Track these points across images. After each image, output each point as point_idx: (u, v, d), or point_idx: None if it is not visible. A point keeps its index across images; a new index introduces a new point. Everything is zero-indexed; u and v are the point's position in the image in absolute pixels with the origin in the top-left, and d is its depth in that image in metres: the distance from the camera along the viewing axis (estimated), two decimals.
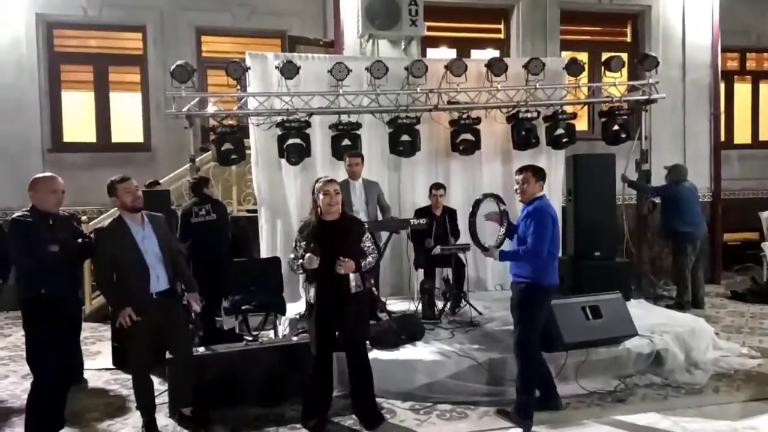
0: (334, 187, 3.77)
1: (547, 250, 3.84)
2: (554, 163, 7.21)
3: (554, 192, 7.29)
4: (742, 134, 9.95)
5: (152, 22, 8.10)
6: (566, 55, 8.44)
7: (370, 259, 3.86)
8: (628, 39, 9.19)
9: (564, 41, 8.75)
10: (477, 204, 4.17)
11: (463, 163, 6.95)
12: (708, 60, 8.87)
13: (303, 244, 3.79)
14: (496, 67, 6.59)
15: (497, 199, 4.18)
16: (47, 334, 3.54)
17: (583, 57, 8.87)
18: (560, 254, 6.65)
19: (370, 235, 3.97)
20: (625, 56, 8.78)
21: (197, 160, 6.62)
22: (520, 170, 4.06)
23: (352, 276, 3.77)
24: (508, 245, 4.11)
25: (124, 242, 3.63)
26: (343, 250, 3.70)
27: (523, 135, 6.71)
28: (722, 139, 9.19)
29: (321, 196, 3.74)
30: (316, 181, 3.87)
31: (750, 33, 9.58)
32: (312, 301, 3.81)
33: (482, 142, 6.74)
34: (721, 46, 8.87)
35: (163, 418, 4.00)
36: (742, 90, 10.02)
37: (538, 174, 4.00)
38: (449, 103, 6.68)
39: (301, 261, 3.73)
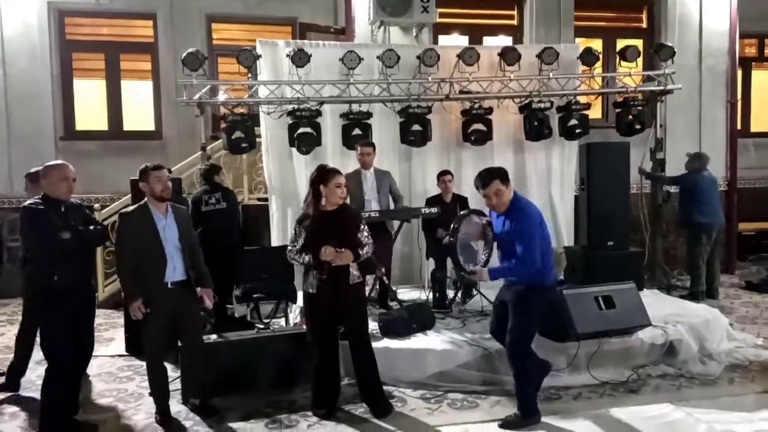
0: (344, 180, 3.80)
1: (540, 253, 3.59)
2: (567, 154, 7.15)
3: (567, 183, 7.23)
4: (759, 122, 9.78)
5: (163, 9, 8.08)
6: (580, 41, 8.32)
7: (367, 249, 3.83)
8: (644, 25, 9.03)
9: (578, 28, 8.62)
10: (458, 222, 3.78)
11: (474, 153, 6.89)
12: (725, 47, 8.71)
13: (303, 234, 3.77)
14: (509, 56, 6.51)
15: (477, 213, 3.89)
16: (61, 322, 3.56)
17: (597, 44, 8.79)
18: (559, 245, 6.70)
19: (366, 226, 3.93)
20: (640, 43, 8.73)
21: (208, 148, 6.63)
22: (485, 184, 3.60)
23: (352, 266, 3.77)
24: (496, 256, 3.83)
25: (147, 229, 3.67)
26: (342, 241, 3.68)
27: (535, 125, 6.64)
28: (739, 127, 9.04)
29: (336, 189, 3.71)
30: (318, 170, 3.81)
31: None
32: (312, 291, 3.79)
33: (494, 133, 6.68)
34: (740, 32, 8.69)
35: (175, 405, 4.02)
36: (761, 77, 9.82)
37: (505, 176, 3.64)
38: (461, 92, 6.62)
39: (308, 256, 3.69)
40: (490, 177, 3.62)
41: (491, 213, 3.81)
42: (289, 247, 3.88)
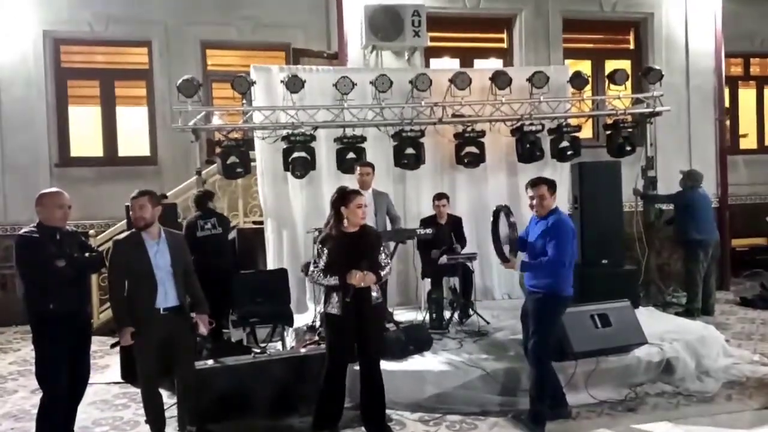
0: (365, 200, 3.87)
1: (568, 261, 3.88)
2: (559, 176, 7.16)
3: (560, 204, 7.27)
4: (748, 139, 9.92)
5: (157, 36, 8.17)
6: (569, 63, 8.46)
7: (388, 269, 3.92)
8: (631, 46, 9.20)
9: (567, 49, 8.76)
10: (498, 214, 4.20)
11: (468, 175, 6.95)
12: (712, 66, 8.86)
13: (326, 254, 3.79)
14: (500, 80, 6.62)
15: (509, 210, 4.20)
16: (56, 349, 3.54)
17: (586, 65, 8.93)
18: None
19: (385, 247, 4.02)
20: (628, 64, 8.88)
21: (203, 172, 6.65)
22: (534, 184, 4.05)
23: (373, 287, 3.80)
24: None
25: (138, 255, 3.68)
26: (363, 262, 3.71)
27: (527, 148, 6.73)
28: (728, 144, 9.16)
29: (356, 209, 3.75)
30: (339, 192, 3.88)
31: (754, 38, 9.55)
32: (336, 312, 3.78)
33: (487, 155, 6.75)
34: (725, 52, 8.86)
35: None
36: (747, 95, 9.99)
37: (553, 187, 4.04)
38: (453, 116, 6.70)
39: (334, 278, 3.71)
40: (540, 181, 4.08)
41: (532, 219, 4.13)
42: (312, 269, 3.86)
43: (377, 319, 3.93)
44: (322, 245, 3.84)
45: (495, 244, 4.28)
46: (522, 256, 4.14)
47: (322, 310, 3.96)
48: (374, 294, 3.84)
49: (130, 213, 3.77)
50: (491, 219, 4.36)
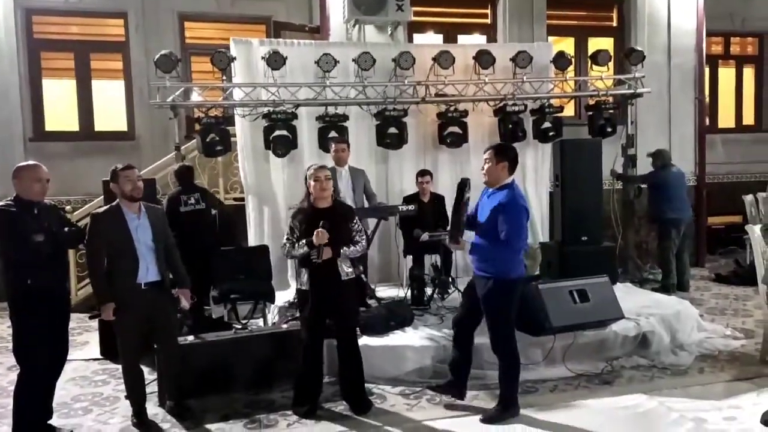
0: (325, 173, 3.81)
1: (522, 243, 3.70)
2: (541, 157, 7.26)
3: (541, 180, 7.33)
4: (725, 119, 10.04)
5: (133, 8, 7.94)
6: (553, 40, 8.43)
7: (359, 246, 3.88)
8: (614, 24, 9.19)
9: (550, 26, 8.72)
10: (463, 186, 3.75)
11: (450, 155, 6.94)
12: (693, 44, 8.90)
13: (297, 230, 3.80)
14: (483, 59, 6.59)
15: (464, 185, 3.82)
16: (35, 326, 3.50)
17: (569, 42, 8.92)
18: (535, 241, 6.82)
19: (359, 223, 3.98)
20: (611, 41, 8.88)
21: (182, 148, 6.55)
22: (486, 150, 3.79)
23: (342, 262, 3.81)
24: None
25: (118, 229, 3.64)
26: (334, 237, 3.71)
27: (510, 128, 6.74)
28: (707, 123, 9.26)
29: (312, 183, 3.77)
30: (308, 169, 3.90)
31: (734, 17, 9.60)
32: (305, 288, 3.82)
33: (470, 135, 6.74)
34: (706, 31, 8.90)
35: (152, 407, 3.99)
36: (726, 74, 10.08)
37: (502, 154, 3.69)
38: (437, 95, 6.66)
39: (305, 240, 3.69)
40: (491, 148, 3.78)
41: (483, 192, 3.84)
42: (284, 242, 3.88)
43: (349, 295, 3.92)
44: (292, 219, 3.88)
45: (457, 219, 3.77)
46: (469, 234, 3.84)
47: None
48: (347, 269, 3.85)
49: (122, 186, 3.66)
50: (456, 193, 3.85)
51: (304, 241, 3.73)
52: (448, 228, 4.09)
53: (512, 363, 3.78)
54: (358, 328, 4.66)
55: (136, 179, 3.71)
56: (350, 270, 3.89)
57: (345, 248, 3.79)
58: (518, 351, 3.83)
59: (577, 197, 6.32)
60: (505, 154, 3.73)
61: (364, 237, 3.96)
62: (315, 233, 3.66)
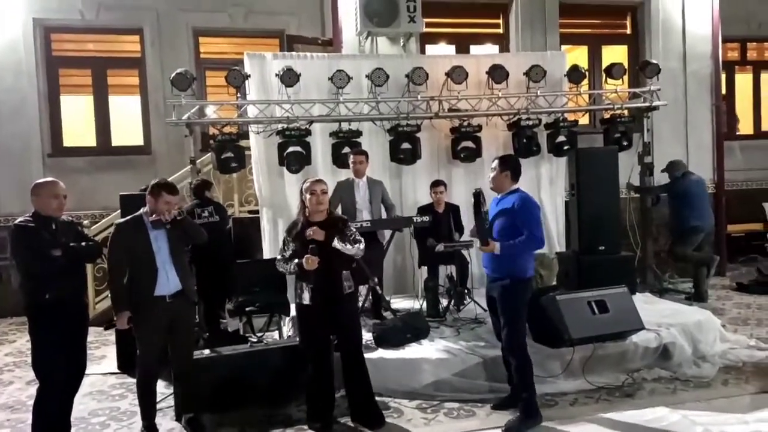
0: (321, 187, 3.79)
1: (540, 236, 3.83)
2: (555, 170, 7.21)
3: (556, 190, 7.27)
4: (744, 125, 9.90)
5: (149, 24, 8.07)
6: (566, 48, 8.40)
7: (355, 249, 3.77)
8: (628, 31, 9.14)
9: (563, 35, 8.71)
10: (478, 195, 3.89)
11: (464, 170, 6.91)
12: (708, 50, 8.82)
13: (291, 244, 3.80)
14: (496, 74, 6.57)
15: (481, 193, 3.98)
16: (53, 340, 3.52)
17: (582, 50, 8.89)
18: (551, 251, 6.76)
19: (356, 233, 3.90)
20: (625, 49, 8.83)
21: (198, 161, 6.60)
22: (493, 160, 4.08)
23: (343, 276, 3.78)
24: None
25: (139, 239, 3.67)
26: (329, 250, 3.67)
27: (524, 142, 6.71)
28: (724, 129, 9.14)
29: (308, 196, 3.76)
30: (305, 182, 3.89)
31: (750, 21, 9.51)
32: (306, 302, 3.79)
33: (483, 150, 6.72)
34: (722, 36, 8.81)
35: (169, 422, 3.99)
36: (744, 80, 9.96)
37: (504, 164, 3.93)
38: (450, 110, 6.65)
39: (296, 261, 3.70)
40: (496, 158, 4.04)
41: (494, 199, 4.04)
42: (278, 257, 3.89)
43: (351, 308, 3.89)
44: (287, 234, 3.86)
45: (480, 225, 3.90)
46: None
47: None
48: (345, 282, 3.81)
49: (158, 206, 3.66)
50: (473, 201, 3.99)
51: (296, 261, 3.71)
52: (470, 232, 4.26)
53: (526, 360, 3.81)
54: (373, 341, 4.65)
55: (173, 205, 3.69)
56: (349, 284, 3.84)
57: (339, 243, 3.68)
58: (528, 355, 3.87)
59: (594, 206, 6.25)
60: (506, 164, 3.95)
61: (363, 243, 3.87)
62: (305, 259, 3.63)
